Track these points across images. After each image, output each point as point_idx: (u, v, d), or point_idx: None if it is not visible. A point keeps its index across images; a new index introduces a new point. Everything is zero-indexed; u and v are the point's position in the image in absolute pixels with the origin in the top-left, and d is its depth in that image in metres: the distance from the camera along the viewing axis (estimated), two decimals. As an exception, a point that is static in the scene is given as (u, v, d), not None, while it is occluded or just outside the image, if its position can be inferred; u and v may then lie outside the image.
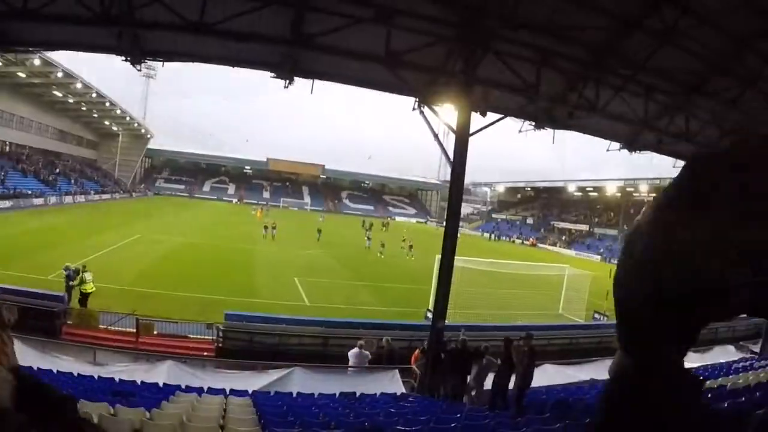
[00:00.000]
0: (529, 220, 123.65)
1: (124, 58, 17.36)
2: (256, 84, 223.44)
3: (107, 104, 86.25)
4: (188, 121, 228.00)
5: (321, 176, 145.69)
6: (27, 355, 14.22)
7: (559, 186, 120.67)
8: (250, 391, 13.98)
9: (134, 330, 19.55)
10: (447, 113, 17.76)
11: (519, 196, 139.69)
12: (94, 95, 77.55)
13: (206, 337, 20.43)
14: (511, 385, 14.95)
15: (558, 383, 18.73)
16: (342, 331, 21.43)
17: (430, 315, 21.57)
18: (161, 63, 19.02)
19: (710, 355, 25.20)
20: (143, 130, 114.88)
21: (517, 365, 14.79)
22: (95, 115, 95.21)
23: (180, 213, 77.04)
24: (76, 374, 13.37)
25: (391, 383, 16.92)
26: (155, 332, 20.23)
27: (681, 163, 22.74)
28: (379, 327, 22.23)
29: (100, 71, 71.33)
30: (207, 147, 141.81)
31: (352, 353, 17.91)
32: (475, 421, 10.56)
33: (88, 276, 22.25)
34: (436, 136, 18.89)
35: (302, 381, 16.10)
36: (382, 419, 10.54)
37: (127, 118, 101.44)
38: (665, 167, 27.75)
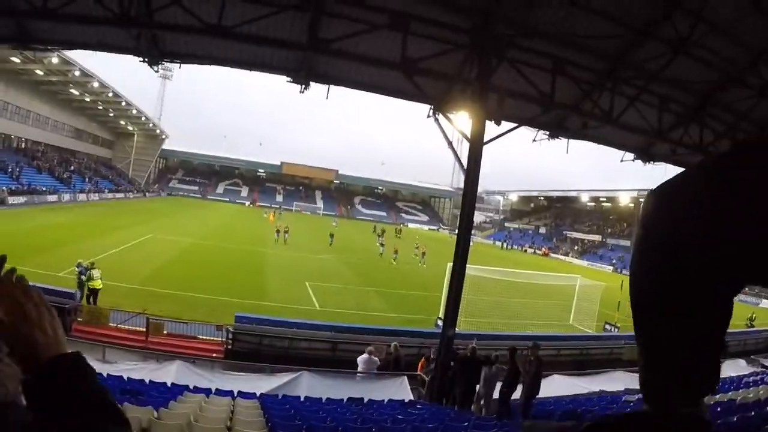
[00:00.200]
0: (542, 230, 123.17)
1: (142, 59, 17.49)
2: (271, 87, 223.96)
3: (123, 104, 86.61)
4: (203, 122, 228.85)
5: (334, 181, 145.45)
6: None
7: (572, 195, 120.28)
8: (258, 394, 13.99)
9: (144, 329, 19.57)
10: (461, 121, 17.78)
11: (532, 205, 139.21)
12: (110, 94, 78.38)
13: (215, 338, 20.46)
14: (517, 395, 14.97)
15: (567, 394, 18.61)
16: (351, 337, 21.36)
17: (440, 323, 21.53)
18: (178, 65, 19.12)
19: (722, 368, 24.88)
20: (158, 131, 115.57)
21: (523, 375, 14.80)
22: (111, 115, 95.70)
23: (193, 214, 77.05)
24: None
25: (399, 390, 16.86)
26: (165, 332, 20.25)
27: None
28: (389, 333, 22.15)
29: (116, 71, 71.86)
30: (221, 149, 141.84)
31: (361, 359, 17.89)
32: (482, 430, 10.54)
33: (96, 273, 22.29)
34: (450, 143, 18.90)
35: (310, 385, 16.08)
36: (390, 426, 10.52)
37: (143, 118, 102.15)
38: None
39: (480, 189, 18.22)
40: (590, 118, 19.66)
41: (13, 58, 57.41)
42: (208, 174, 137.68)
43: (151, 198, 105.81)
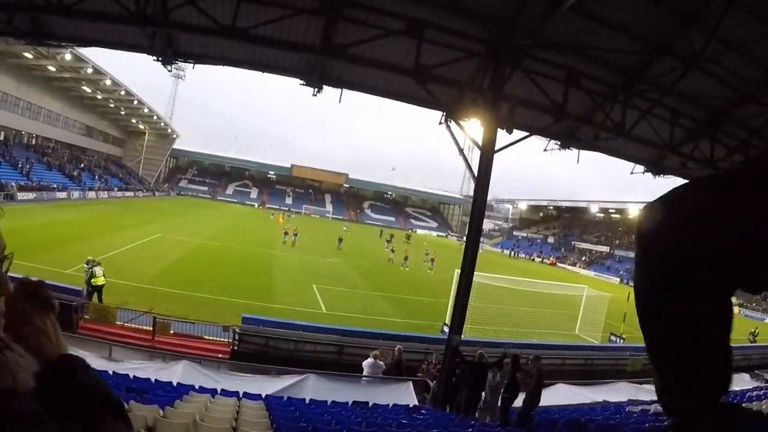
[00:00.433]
0: (550, 239, 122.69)
1: (156, 58, 17.56)
2: (283, 90, 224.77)
3: (135, 102, 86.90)
4: (214, 122, 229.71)
5: (344, 185, 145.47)
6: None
7: (581, 206, 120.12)
8: (263, 395, 14.01)
9: (151, 328, 19.65)
10: (473, 128, 17.77)
11: (541, 214, 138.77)
12: (122, 93, 78.38)
13: (221, 339, 20.51)
14: (518, 403, 15.09)
15: (571, 403, 18.62)
16: (357, 341, 21.43)
17: (446, 329, 21.53)
18: (192, 65, 19.18)
19: (732, 372, 25.03)
20: (169, 130, 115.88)
21: (521, 384, 14.92)
22: (123, 113, 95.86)
23: (202, 214, 77.29)
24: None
25: (404, 395, 16.88)
26: (171, 331, 20.31)
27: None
28: (395, 338, 22.10)
29: (128, 69, 72.12)
30: (231, 150, 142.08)
31: (366, 363, 17.89)
32: (486, 437, 10.55)
33: (98, 270, 22.23)
34: (461, 150, 18.89)
35: (316, 388, 16.08)
36: (394, 430, 10.53)
37: (154, 117, 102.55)
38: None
39: (489, 197, 18.21)
40: (602, 130, 19.64)
41: (26, 54, 57.52)
42: (218, 174, 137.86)
43: (161, 197, 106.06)
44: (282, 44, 16.59)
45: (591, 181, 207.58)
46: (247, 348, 19.66)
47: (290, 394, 15.06)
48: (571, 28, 15.39)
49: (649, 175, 23.36)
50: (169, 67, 18.48)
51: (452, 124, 18.54)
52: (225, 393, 13.53)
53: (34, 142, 77.69)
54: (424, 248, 65.82)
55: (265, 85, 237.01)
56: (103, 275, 22.42)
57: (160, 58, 17.66)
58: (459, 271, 17.70)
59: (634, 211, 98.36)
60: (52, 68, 64.88)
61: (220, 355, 19.34)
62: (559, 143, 21.28)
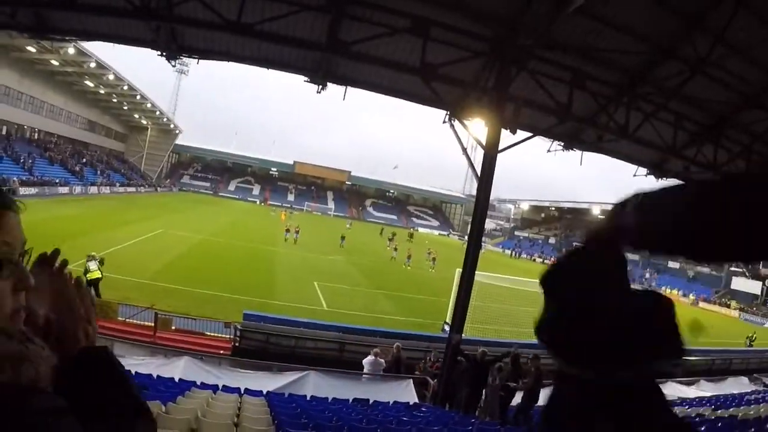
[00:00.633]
0: (552, 240, 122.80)
1: (160, 53, 17.56)
2: (287, 86, 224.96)
3: (138, 97, 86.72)
4: (217, 118, 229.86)
5: (347, 183, 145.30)
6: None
7: (583, 207, 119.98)
8: (264, 392, 14.02)
9: (152, 324, 19.65)
10: (476, 128, 17.77)
11: (543, 215, 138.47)
12: (125, 87, 78.21)
13: (223, 335, 20.53)
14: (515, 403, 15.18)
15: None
16: (358, 338, 21.45)
17: (447, 327, 21.54)
18: (196, 60, 19.18)
19: (724, 385, 25.66)
20: (172, 126, 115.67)
21: (520, 383, 15.01)
22: (125, 108, 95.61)
23: (204, 210, 77.25)
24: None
25: (404, 392, 16.89)
26: (173, 327, 20.33)
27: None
28: (396, 336, 22.10)
29: (132, 63, 72.14)
30: (234, 146, 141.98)
31: (366, 361, 17.90)
32: (487, 435, 10.55)
33: (91, 264, 22.09)
34: (464, 150, 18.90)
35: (316, 385, 16.11)
36: (395, 427, 10.54)
37: (157, 113, 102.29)
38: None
39: (491, 196, 18.20)
40: (605, 132, 19.62)
41: (29, 48, 57.32)
42: (221, 171, 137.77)
43: (163, 193, 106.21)
44: (288, 40, 16.59)
45: (592, 182, 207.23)
46: (249, 344, 19.66)
47: (291, 391, 15.09)
48: (578, 30, 15.39)
49: (652, 177, 23.37)
50: (173, 62, 18.48)
51: (456, 123, 18.56)
52: (226, 389, 13.56)
53: (36, 137, 77.42)
54: (426, 247, 65.86)
55: (268, 81, 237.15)
56: (99, 270, 22.25)
57: (164, 53, 17.66)
58: (460, 270, 17.70)
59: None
60: (55, 62, 64.53)
61: (221, 352, 19.33)
62: (562, 144, 21.26)
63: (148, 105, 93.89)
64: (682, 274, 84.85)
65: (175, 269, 31.61)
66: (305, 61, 18.48)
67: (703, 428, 11.65)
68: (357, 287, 37.01)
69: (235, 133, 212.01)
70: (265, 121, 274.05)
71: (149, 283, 26.77)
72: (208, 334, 20.75)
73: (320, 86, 18.40)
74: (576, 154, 21.70)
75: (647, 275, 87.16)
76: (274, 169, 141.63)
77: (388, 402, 14.94)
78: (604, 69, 17.29)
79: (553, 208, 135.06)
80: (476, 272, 17.19)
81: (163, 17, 15.62)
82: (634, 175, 24.06)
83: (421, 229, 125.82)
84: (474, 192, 19.30)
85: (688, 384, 24.38)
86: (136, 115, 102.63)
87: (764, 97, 17.57)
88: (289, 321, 22.03)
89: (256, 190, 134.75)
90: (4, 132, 67.70)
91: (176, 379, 13.74)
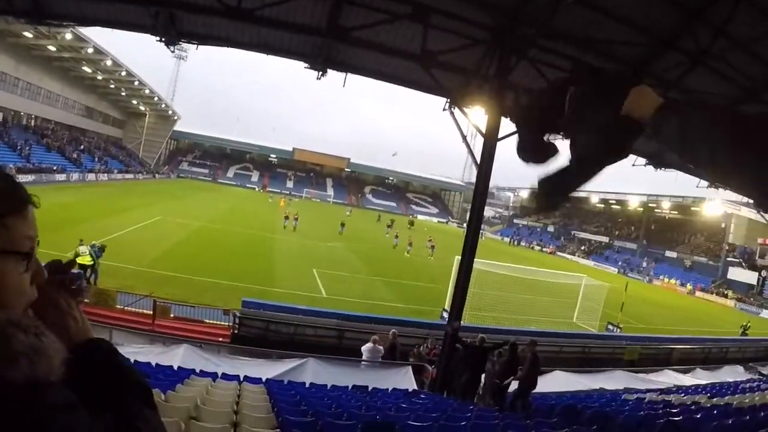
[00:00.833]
0: (550, 228, 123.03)
1: (158, 38, 17.45)
2: (287, 72, 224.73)
3: (136, 83, 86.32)
4: (216, 104, 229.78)
5: (346, 169, 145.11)
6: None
7: (582, 196, 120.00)
8: (263, 379, 14.03)
9: (151, 312, 19.68)
10: (477, 116, 17.74)
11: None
12: (123, 73, 77.69)
13: (222, 322, 20.57)
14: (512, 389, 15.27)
15: (568, 390, 18.78)
16: (357, 325, 21.51)
17: (445, 314, 21.58)
18: (195, 46, 19.08)
19: (720, 373, 25.94)
20: (170, 112, 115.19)
21: (516, 370, 15.09)
22: (123, 94, 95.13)
23: (202, 197, 77.35)
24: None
25: (403, 379, 16.95)
26: (172, 315, 20.36)
27: (705, 183, 22.74)
28: (395, 323, 22.10)
29: (130, 49, 71.88)
30: (233, 132, 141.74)
31: (365, 348, 17.95)
32: (484, 421, 10.55)
33: (82, 249, 22.08)
34: (464, 138, 18.85)
35: (316, 372, 16.15)
36: (393, 414, 10.55)
37: (155, 99, 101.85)
38: (689, 185, 27.54)
39: (491, 184, 18.16)
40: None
41: (26, 33, 56.76)
42: (219, 157, 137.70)
43: (161, 180, 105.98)
44: (288, 26, 16.49)
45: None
46: (248, 332, 19.71)
47: (290, 378, 15.12)
48: (579, 20, 15.29)
49: (650, 167, 23.36)
50: (171, 48, 18.37)
51: (456, 111, 18.51)
52: (226, 377, 13.58)
53: (33, 124, 77.06)
54: (426, 234, 65.97)
55: (267, 67, 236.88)
56: (90, 254, 22.23)
57: (163, 39, 17.53)
58: (459, 257, 17.72)
59: (634, 203, 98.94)
60: (52, 48, 64.13)
61: (220, 339, 19.39)
62: (562, 133, 21.22)
63: (146, 91, 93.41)
64: (680, 264, 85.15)
65: (174, 256, 31.63)
66: (305, 47, 18.39)
67: (698, 416, 11.72)
68: (356, 274, 37.09)
69: (237, 120, 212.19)
70: (265, 107, 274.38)
71: (147, 271, 26.80)
72: (207, 321, 20.80)
73: (320, 72, 18.33)
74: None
75: (644, 264, 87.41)
76: (273, 156, 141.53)
77: (387, 389, 14.97)
78: (604, 60, 17.18)
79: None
80: (475, 260, 17.21)
81: (162, 2, 15.55)
82: (633, 165, 24.04)
83: (420, 216, 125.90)
84: (473, 180, 19.29)
85: (684, 372, 24.53)
86: (134, 101, 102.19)
87: (763, 90, 17.51)
88: (288, 308, 22.03)
89: (255, 176, 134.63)
90: (0, 119, 67.30)
91: (175, 367, 13.73)
